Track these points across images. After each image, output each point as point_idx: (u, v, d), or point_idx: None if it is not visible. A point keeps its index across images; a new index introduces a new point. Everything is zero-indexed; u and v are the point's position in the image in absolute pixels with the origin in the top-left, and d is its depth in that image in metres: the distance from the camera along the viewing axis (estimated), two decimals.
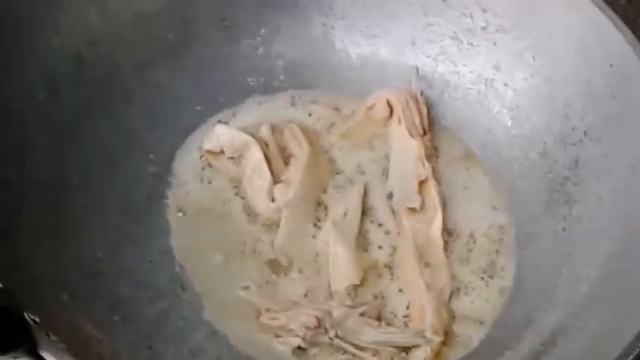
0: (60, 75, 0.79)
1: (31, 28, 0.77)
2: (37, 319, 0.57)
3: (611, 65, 0.79)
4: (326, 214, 0.81)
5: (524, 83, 0.87)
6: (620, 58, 0.78)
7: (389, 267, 0.79)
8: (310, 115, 0.90)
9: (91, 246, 0.74)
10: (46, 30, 0.78)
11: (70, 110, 0.79)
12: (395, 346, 0.72)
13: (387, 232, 0.81)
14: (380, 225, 0.82)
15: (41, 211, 0.72)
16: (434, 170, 0.84)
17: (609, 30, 0.79)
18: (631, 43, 0.77)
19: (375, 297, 0.76)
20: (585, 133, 0.80)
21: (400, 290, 0.77)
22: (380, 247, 0.80)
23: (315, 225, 0.81)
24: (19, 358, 0.56)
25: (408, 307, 0.76)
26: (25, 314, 0.56)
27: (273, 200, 0.80)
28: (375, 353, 0.72)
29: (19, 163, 0.73)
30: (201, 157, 0.84)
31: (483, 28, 0.88)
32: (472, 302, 0.77)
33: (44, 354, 0.56)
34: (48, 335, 0.57)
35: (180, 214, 0.80)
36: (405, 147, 0.84)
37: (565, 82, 0.83)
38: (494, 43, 0.88)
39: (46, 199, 0.74)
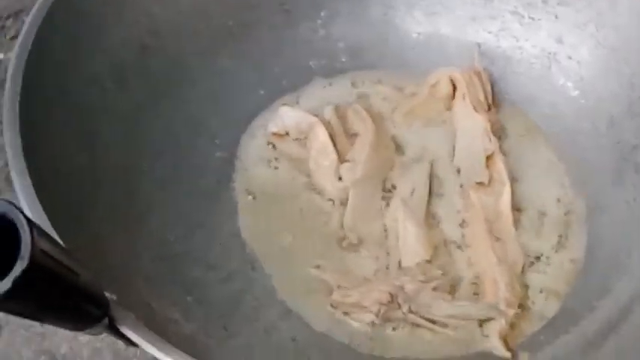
0: (126, 65, 0.80)
1: (97, 22, 0.77)
2: (115, 297, 0.58)
3: None
4: (394, 192, 0.81)
5: (588, 55, 0.86)
6: None
7: (459, 242, 0.78)
8: (374, 95, 0.90)
9: (163, 230, 0.75)
10: (111, 22, 0.79)
11: (136, 98, 0.80)
12: (469, 319, 0.72)
13: (455, 208, 0.81)
14: (448, 201, 0.81)
15: (113, 197, 0.73)
16: (500, 145, 0.84)
17: None
18: None
19: (447, 272, 0.76)
20: None
21: (471, 264, 0.77)
22: (449, 223, 0.80)
23: (383, 203, 0.80)
24: (98, 334, 0.57)
25: (474, 283, 0.76)
26: (105, 292, 0.56)
27: (340, 179, 0.81)
28: (450, 326, 0.72)
29: (90, 149, 0.73)
30: (267, 141, 0.85)
31: (544, 2, 0.88)
32: (545, 275, 0.76)
33: (123, 329, 0.56)
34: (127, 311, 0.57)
35: (249, 197, 0.81)
36: (471, 122, 0.84)
37: (629, 51, 0.83)
38: (556, 17, 0.88)
39: (117, 185, 0.74)
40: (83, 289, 0.53)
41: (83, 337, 0.79)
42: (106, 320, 0.56)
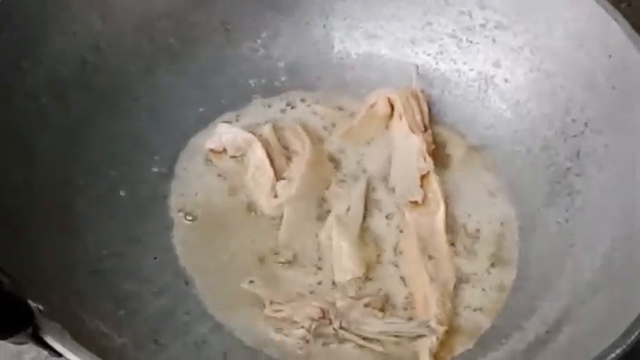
0: (64, 80, 0.80)
1: (35, 36, 0.78)
2: (41, 308, 0.57)
3: (610, 56, 0.79)
4: (329, 210, 0.81)
5: (524, 78, 0.88)
6: (618, 49, 0.79)
7: (392, 260, 0.79)
8: (313, 114, 0.90)
9: (96, 244, 0.75)
10: (49, 36, 0.79)
11: (74, 113, 0.80)
12: (400, 336, 0.72)
13: (390, 226, 0.81)
14: (383, 219, 0.82)
15: (48, 210, 0.73)
16: (436, 166, 0.84)
17: (607, 22, 0.80)
18: (629, 33, 0.78)
19: (379, 289, 0.76)
20: (586, 124, 0.81)
21: (404, 282, 0.77)
22: (383, 241, 0.80)
23: (318, 220, 0.81)
24: (23, 343, 0.57)
25: (407, 298, 0.76)
26: (29, 301, 0.56)
27: (275, 196, 0.81)
28: (380, 343, 0.72)
29: (26, 166, 0.73)
30: (205, 157, 0.85)
31: (482, 26, 0.90)
32: (476, 293, 0.77)
33: (47, 339, 0.56)
34: (51, 321, 0.57)
35: (185, 213, 0.80)
36: (407, 142, 0.85)
37: (565, 76, 0.84)
38: (494, 40, 0.89)
39: (52, 199, 0.74)
40: (4, 297, 0.53)
41: (27, 355, 0.78)
42: (29, 329, 0.56)
